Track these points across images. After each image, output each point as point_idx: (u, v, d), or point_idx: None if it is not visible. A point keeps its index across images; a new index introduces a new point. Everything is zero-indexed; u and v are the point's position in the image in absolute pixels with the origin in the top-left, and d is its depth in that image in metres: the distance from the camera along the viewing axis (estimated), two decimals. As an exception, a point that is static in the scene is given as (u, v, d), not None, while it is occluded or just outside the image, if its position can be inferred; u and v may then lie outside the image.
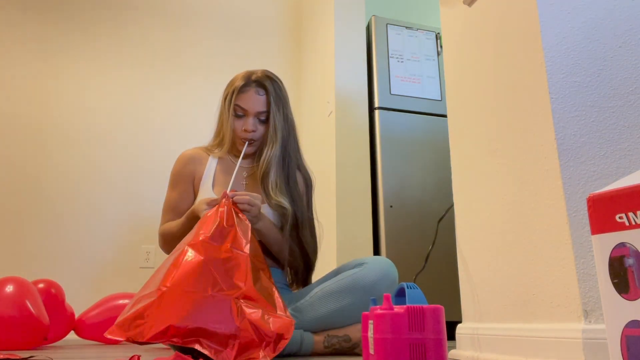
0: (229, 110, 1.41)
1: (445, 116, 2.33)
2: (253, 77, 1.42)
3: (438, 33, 2.55)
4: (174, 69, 2.93)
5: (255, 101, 1.40)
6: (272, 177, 1.39)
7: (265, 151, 1.41)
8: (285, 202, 1.37)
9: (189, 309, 1.01)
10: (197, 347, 0.98)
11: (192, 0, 3.07)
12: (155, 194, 2.68)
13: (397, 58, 2.43)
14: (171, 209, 1.43)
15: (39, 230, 2.51)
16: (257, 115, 1.41)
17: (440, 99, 2.43)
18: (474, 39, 1.18)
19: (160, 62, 2.91)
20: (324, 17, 2.66)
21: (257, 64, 3.08)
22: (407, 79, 2.41)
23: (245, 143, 1.41)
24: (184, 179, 1.44)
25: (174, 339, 0.98)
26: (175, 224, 1.38)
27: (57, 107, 2.69)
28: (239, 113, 1.41)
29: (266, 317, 1.05)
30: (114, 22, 2.89)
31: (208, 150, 1.48)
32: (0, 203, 2.50)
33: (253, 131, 1.40)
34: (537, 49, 0.94)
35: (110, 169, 2.69)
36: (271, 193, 1.37)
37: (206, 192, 1.41)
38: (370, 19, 2.48)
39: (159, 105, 2.85)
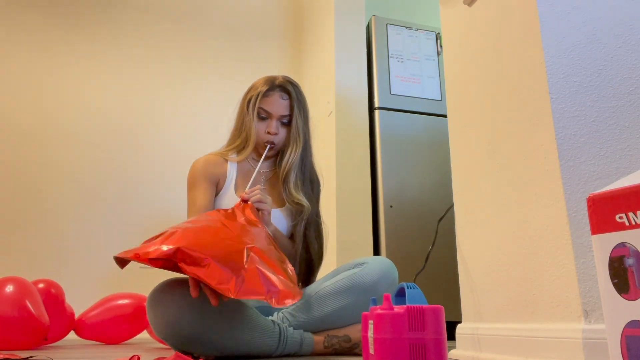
0: (252, 113, 1.43)
1: (445, 116, 2.32)
2: (277, 82, 1.46)
3: (438, 33, 2.55)
4: (175, 69, 2.93)
5: (279, 105, 1.44)
6: (293, 178, 1.44)
7: (288, 154, 1.45)
8: (303, 200, 1.42)
9: (200, 242, 1.04)
10: (201, 276, 0.99)
11: (193, 1, 3.07)
12: (155, 193, 2.68)
13: (397, 58, 2.43)
14: (197, 208, 1.37)
15: (39, 230, 2.51)
16: (280, 118, 1.45)
17: (440, 99, 2.43)
18: (474, 39, 1.18)
19: (160, 62, 2.91)
20: (324, 17, 2.66)
21: (258, 64, 3.08)
22: (407, 79, 2.41)
23: (266, 146, 1.43)
24: (206, 179, 1.41)
25: (180, 264, 1.00)
26: None
27: (57, 106, 2.69)
28: (262, 115, 1.44)
29: (275, 275, 1.07)
30: (115, 22, 2.89)
31: (223, 155, 1.46)
32: (0, 203, 2.50)
33: (276, 134, 1.43)
34: (537, 49, 0.94)
35: (111, 169, 2.69)
36: (292, 191, 1.42)
37: (230, 196, 1.40)
38: (370, 19, 2.48)
39: (159, 105, 2.85)
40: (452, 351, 1.13)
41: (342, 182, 2.24)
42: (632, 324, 0.47)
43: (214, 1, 3.11)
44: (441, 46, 2.49)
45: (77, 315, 2.03)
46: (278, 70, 3.09)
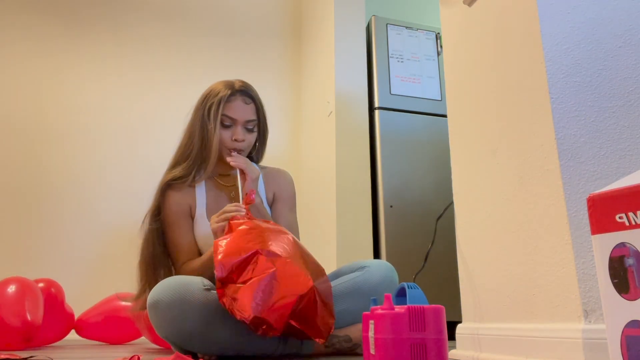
0: (214, 121, 1.34)
1: (445, 116, 2.32)
2: (237, 87, 1.39)
3: (438, 33, 2.55)
4: (174, 70, 2.92)
5: (243, 110, 1.38)
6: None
7: (262, 156, 1.49)
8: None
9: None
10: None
11: (193, 1, 3.07)
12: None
13: (397, 58, 2.43)
14: (185, 250, 1.35)
15: (39, 230, 2.51)
16: (245, 124, 1.39)
17: (440, 99, 2.43)
18: (474, 39, 1.18)
19: (160, 62, 2.91)
20: (324, 17, 2.66)
21: (258, 64, 3.08)
22: (407, 79, 2.41)
23: (232, 154, 1.37)
24: (180, 217, 1.37)
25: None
26: (198, 264, 1.30)
27: (56, 107, 2.69)
28: (227, 123, 1.37)
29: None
30: (114, 23, 2.89)
31: (184, 179, 1.37)
32: (0, 203, 2.50)
33: (243, 140, 1.38)
34: (537, 49, 0.94)
35: (111, 169, 2.69)
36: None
37: (203, 222, 1.36)
38: (370, 19, 2.48)
39: (158, 105, 2.85)
40: (452, 351, 1.13)
41: (342, 182, 2.24)
42: (632, 324, 0.47)
43: (215, 2, 3.11)
44: (441, 46, 2.49)
45: (77, 316, 2.03)
46: (278, 70, 3.09)
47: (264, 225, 1.16)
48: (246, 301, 1.01)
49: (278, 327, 1.03)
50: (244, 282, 1.03)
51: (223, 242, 1.09)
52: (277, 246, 1.09)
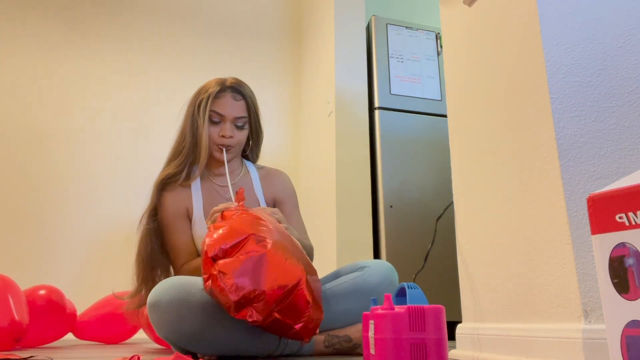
0: (203, 117, 1.35)
1: (445, 116, 2.32)
2: (227, 83, 1.39)
3: (438, 33, 2.55)
4: (174, 70, 2.92)
5: (232, 106, 1.37)
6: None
7: (256, 154, 1.50)
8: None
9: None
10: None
11: (193, 2, 3.07)
12: (155, 194, 2.68)
13: (397, 58, 2.43)
14: (183, 252, 1.35)
15: (39, 230, 2.51)
16: (235, 120, 1.38)
17: (440, 99, 2.43)
18: (474, 39, 1.18)
19: (160, 62, 2.91)
20: (324, 17, 2.66)
21: (257, 64, 3.08)
22: (407, 79, 2.41)
23: (222, 149, 1.36)
24: (177, 218, 1.37)
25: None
26: (197, 264, 1.29)
27: (55, 108, 2.69)
28: (215, 119, 1.37)
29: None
30: (114, 22, 2.89)
31: (177, 177, 1.38)
32: None
33: (231, 137, 1.37)
34: (537, 49, 0.94)
35: (110, 169, 2.69)
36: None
37: (201, 225, 1.35)
38: (370, 19, 2.48)
39: (158, 106, 2.85)
40: (452, 351, 1.13)
41: (342, 182, 2.24)
42: (632, 324, 0.47)
43: (215, 2, 3.11)
44: (441, 46, 2.49)
45: (77, 315, 2.03)
46: (278, 69, 3.09)
47: (260, 213, 1.14)
48: (230, 276, 0.98)
49: (262, 315, 0.99)
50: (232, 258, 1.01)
51: (219, 230, 1.07)
52: (270, 233, 1.07)
